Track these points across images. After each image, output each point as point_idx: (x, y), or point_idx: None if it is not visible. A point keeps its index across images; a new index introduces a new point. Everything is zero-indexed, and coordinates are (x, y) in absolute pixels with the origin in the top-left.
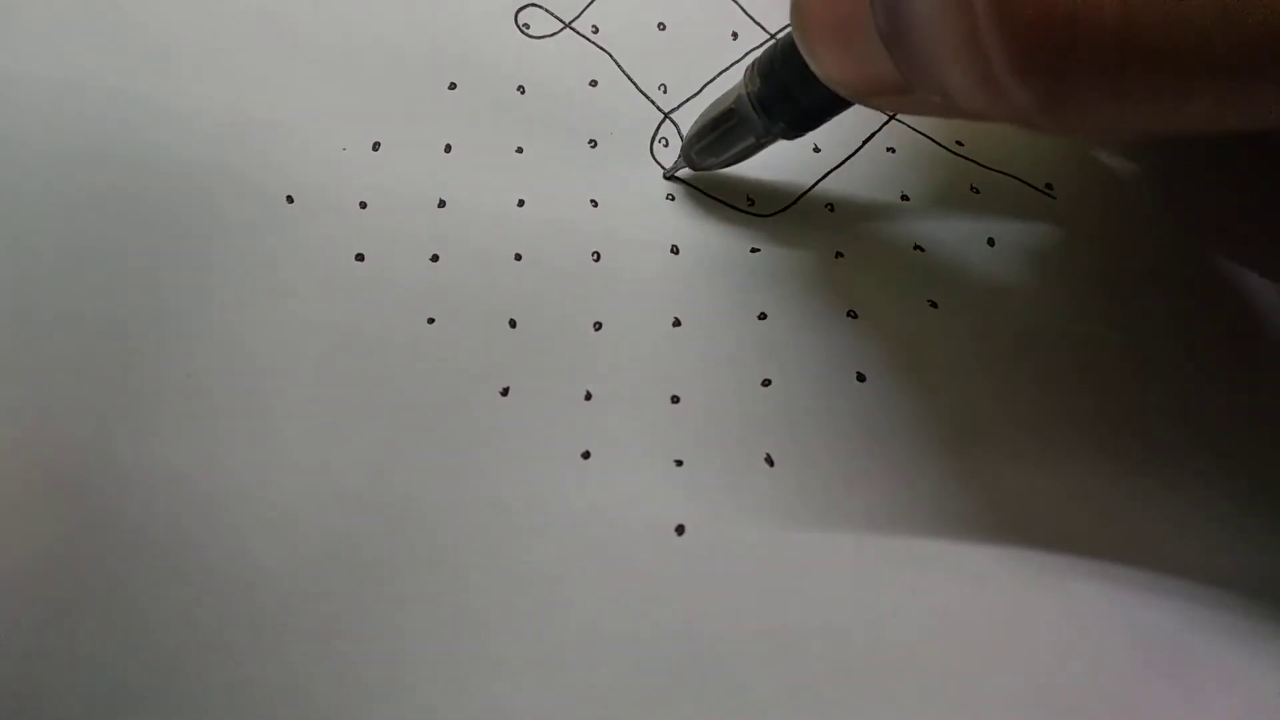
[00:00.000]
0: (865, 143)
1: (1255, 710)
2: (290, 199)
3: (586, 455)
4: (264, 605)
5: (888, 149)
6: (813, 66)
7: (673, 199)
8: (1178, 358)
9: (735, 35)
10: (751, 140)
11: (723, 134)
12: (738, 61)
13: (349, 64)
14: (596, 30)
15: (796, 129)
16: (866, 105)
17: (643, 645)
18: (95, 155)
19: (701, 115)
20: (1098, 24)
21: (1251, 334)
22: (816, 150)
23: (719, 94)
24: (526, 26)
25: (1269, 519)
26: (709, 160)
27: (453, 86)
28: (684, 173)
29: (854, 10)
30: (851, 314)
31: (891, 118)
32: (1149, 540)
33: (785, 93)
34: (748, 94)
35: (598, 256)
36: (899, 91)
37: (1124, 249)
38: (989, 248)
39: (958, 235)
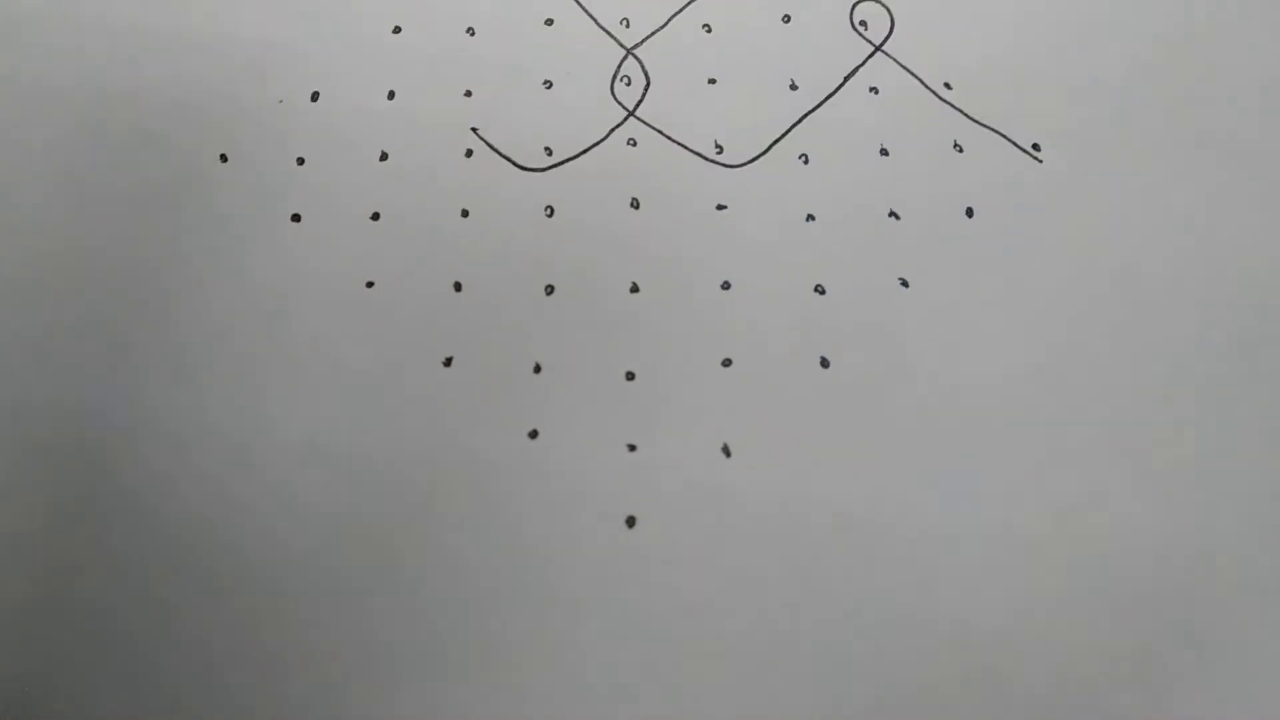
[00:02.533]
0: (846, 79)
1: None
2: (224, 158)
3: (534, 434)
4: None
5: (870, 89)
6: None
7: (634, 144)
8: (1168, 346)
9: None
10: None
11: None
12: None
13: (284, 7)
14: None
15: None
16: None
17: (589, 646)
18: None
19: None
20: None
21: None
22: (794, 87)
23: (688, 26)
24: None
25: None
26: None
27: (397, 30)
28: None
29: None
30: (819, 289)
31: (877, 49)
32: (1123, 527)
33: None
34: None
35: (551, 211)
36: None
37: (1110, 224)
38: (967, 219)
39: (935, 202)
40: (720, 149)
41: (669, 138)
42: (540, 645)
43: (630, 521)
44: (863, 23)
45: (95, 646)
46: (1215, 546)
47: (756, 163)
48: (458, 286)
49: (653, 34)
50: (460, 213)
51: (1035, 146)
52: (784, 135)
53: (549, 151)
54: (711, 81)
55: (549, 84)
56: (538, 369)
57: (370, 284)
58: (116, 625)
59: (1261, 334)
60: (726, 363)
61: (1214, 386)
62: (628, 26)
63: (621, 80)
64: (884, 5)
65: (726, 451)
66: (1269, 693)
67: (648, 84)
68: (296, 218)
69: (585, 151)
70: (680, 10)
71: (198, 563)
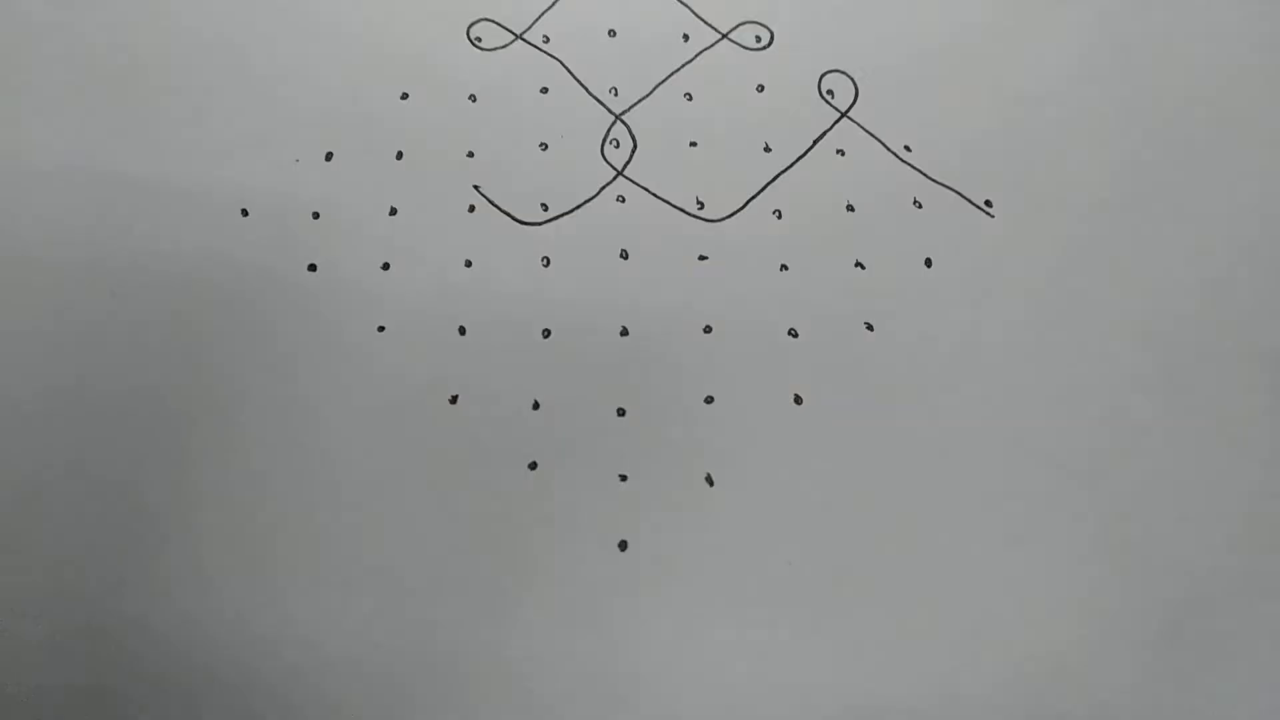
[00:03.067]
0: (815, 143)
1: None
2: (245, 212)
3: (533, 466)
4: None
5: (837, 151)
6: None
7: (623, 201)
8: (1109, 381)
9: (686, 37)
10: None
11: None
12: (689, 62)
13: (302, 75)
14: (547, 40)
15: None
16: None
17: (584, 659)
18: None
19: None
20: None
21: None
22: (768, 150)
23: (671, 94)
24: (479, 40)
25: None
26: None
27: (404, 97)
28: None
29: None
30: (792, 333)
31: (843, 115)
32: (1081, 553)
33: None
34: None
35: (547, 261)
36: None
37: (1055, 272)
38: (926, 268)
39: (897, 254)
40: (701, 205)
41: (654, 195)
42: (539, 656)
43: (622, 545)
44: (830, 92)
45: None
46: (1183, 561)
47: (734, 217)
48: (462, 330)
49: (639, 101)
50: (464, 263)
51: (988, 203)
52: (759, 193)
53: (545, 207)
54: (693, 144)
55: (545, 146)
56: (536, 406)
57: (381, 328)
58: None
59: (1197, 370)
60: (709, 399)
61: (1152, 416)
62: (616, 95)
63: (611, 143)
64: (849, 76)
65: (709, 481)
66: None
67: (635, 146)
68: (313, 267)
69: (578, 207)
70: (664, 80)
71: None
